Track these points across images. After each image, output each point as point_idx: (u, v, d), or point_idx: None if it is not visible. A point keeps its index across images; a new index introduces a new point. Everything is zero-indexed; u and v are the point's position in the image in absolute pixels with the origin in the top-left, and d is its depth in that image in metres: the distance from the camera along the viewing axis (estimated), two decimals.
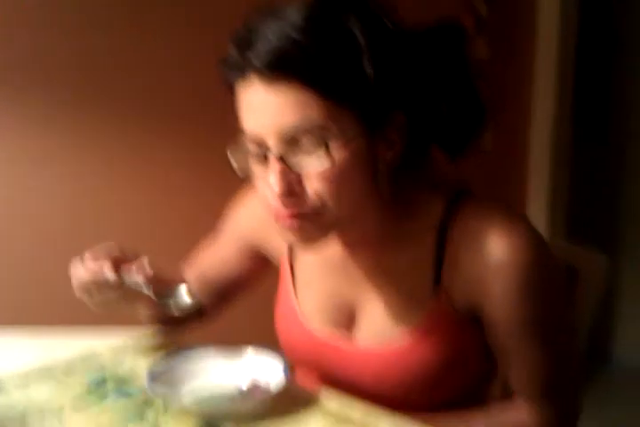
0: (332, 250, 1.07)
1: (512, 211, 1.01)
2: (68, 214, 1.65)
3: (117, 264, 1.01)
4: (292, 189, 0.88)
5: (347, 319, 1.07)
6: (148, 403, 0.98)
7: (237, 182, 1.22)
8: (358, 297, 1.06)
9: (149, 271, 1.00)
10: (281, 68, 0.85)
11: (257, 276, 1.27)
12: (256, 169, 0.92)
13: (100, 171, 1.69)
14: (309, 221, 0.91)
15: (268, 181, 0.89)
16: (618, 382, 3.12)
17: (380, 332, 1.03)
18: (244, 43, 0.87)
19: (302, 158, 0.88)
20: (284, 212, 0.90)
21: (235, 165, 0.94)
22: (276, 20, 0.86)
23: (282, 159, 0.87)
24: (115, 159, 1.71)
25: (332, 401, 0.97)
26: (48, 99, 1.58)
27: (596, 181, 3.28)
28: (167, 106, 1.76)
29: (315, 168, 0.87)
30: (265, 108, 0.87)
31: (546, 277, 0.97)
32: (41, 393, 1.02)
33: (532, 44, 2.68)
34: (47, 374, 1.08)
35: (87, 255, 1.02)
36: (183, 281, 1.24)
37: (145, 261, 1.01)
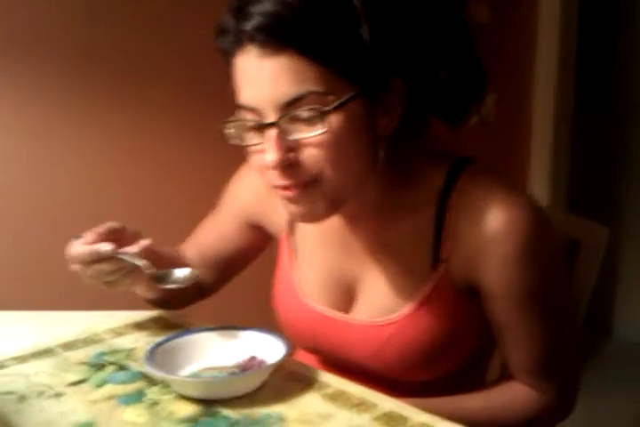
0: (331, 224, 1.06)
1: (510, 182, 1.00)
2: (68, 191, 1.65)
3: (115, 239, 1.01)
4: (289, 157, 0.87)
5: (346, 294, 1.07)
6: (147, 383, 0.98)
7: (238, 157, 1.23)
8: (358, 271, 1.06)
9: (144, 243, 1.00)
10: (275, 36, 0.83)
11: (257, 250, 1.27)
12: (253, 141, 0.91)
13: (101, 146, 1.68)
14: (310, 191, 0.89)
15: (264, 151, 0.88)
16: (618, 357, 3.13)
17: (380, 305, 1.02)
18: (240, 10, 0.86)
19: (299, 126, 0.87)
20: (282, 182, 0.89)
21: (230, 139, 0.93)
22: None
23: (278, 127, 0.86)
24: (115, 134, 1.70)
25: (331, 381, 0.97)
26: (47, 71, 1.57)
27: (597, 153, 3.27)
28: (168, 81, 1.74)
29: (312, 135, 0.86)
30: (261, 77, 0.86)
31: (545, 249, 0.97)
32: (40, 370, 1.02)
33: (534, 8, 2.65)
34: (46, 350, 1.09)
35: (86, 232, 1.02)
36: (181, 257, 1.25)
37: (146, 240, 1.01)
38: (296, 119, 0.86)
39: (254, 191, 1.18)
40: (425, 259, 0.99)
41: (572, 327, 1.05)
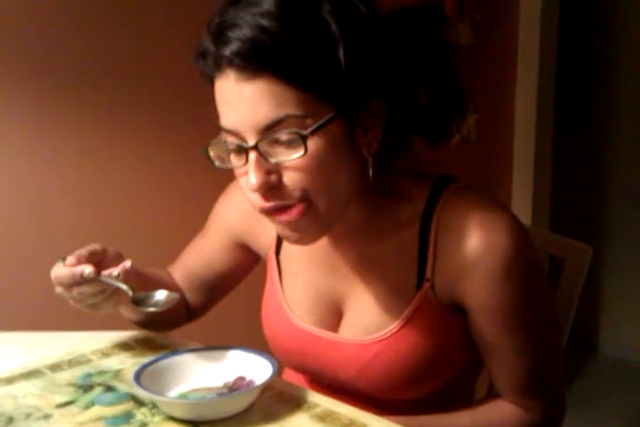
0: (317, 243, 1.06)
1: (494, 199, 1.01)
2: (55, 213, 1.64)
3: (97, 261, 1.01)
4: (269, 180, 0.87)
5: (333, 312, 1.07)
6: (135, 405, 0.97)
7: (228, 177, 1.23)
8: (344, 290, 1.06)
9: (127, 266, 0.99)
10: (253, 60, 0.84)
11: (244, 270, 1.26)
12: (235, 164, 0.91)
13: (88, 166, 1.68)
14: (303, 214, 0.90)
15: (246, 174, 0.89)
16: (603, 374, 3.15)
17: (366, 324, 1.03)
18: (218, 35, 0.86)
19: (279, 149, 0.87)
20: (265, 205, 0.90)
21: (214, 161, 0.93)
22: (249, 8, 0.85)
23: (258, 151, 0.87)
24: (103, 154, 1.70)
25: (320, 401, 0.97)
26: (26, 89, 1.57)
27: (578, 172, 3.31)
28: (156, 100, 1.75)
29: (291, 158, 0.86)
30: (240, 100, 0.86)
31: (527, 267, 0.97)
32: (28, 391, 1.02)
33: (514, 26, 2.68)
34: (33, 372, 1.08)
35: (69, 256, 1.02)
36: (168, 278, 1.25)
37: (127, 262, 1.01)
38: (276, 142, 0.86)
39: (241, 211, 1.18)
40: (410, 277, 0.99)
41: (556, 345, 1.06)
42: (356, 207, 0.99)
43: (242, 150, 0.88)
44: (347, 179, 0.92)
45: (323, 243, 1.06)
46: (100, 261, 1.02)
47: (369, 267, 1.03)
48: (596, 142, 3.26)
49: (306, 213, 0.90)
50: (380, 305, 1.02)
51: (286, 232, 0.94)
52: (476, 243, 0.94)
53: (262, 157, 0.87)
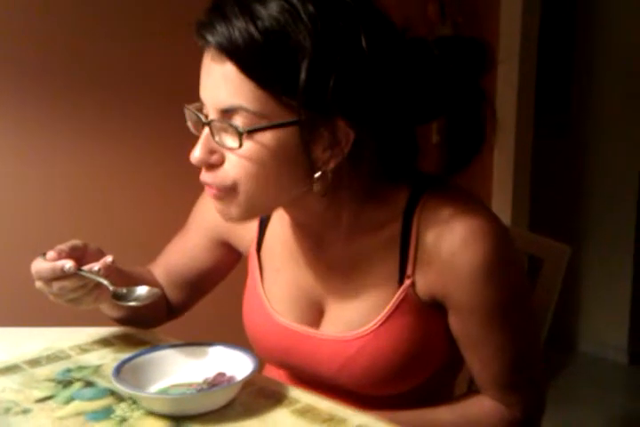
0: (298, 240, 1.07)
1: (474, 198, 1.02)
2: (38, 209, 1.63)
3: (78, 256, 1.01)
4: (209, 158, 0.91)
5: (314, 309, 1.08)
6: (115, 400, 0.97)
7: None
8: (325, 286, 1.06)
9: (108, 261, 1.00)
10: (226, 52, 0.86)
11: (226, 268, 1.26)
12: (195, 133, 0.94)
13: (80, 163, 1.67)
14: (225, 195, 0.92)
15: None
16: (582, 372, 3.18)
17: (347, 320, 1.03)
18: (211, 16, 0.88)
19: (226, 135, 0.89)
20: (203, 179, 0.93)
21: (188, 121, 0.96)
22: (243, 8, 0.86)
23: (210, 128, 0.90)
24: (89, 153, 1.69)
25: (300, 396, 0.98)
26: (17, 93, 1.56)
27: (557, 173, 3.34)
28: (137, 102, 1.75)
29: (227, 146, 0.89)
30: (209, 78, 0.90)
31: (507, 263, 0.98)
32: (7, 386, 1.01)
33: (495, 30, 2.71)
34: (12, 367, 1.08)
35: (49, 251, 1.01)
36: (150, 276, 1.25)
37: (108, 257, 1.01)
38: (227, 127, 0.89)
39: None
40: (391, 274, 1.00)
41: (535, 341, 1.07)
42: (334, 208, 1.00)
43: (200, 122, 0.92)
44: (285, 181, 0.93)
45: (303, 240, 1.06)
46: (80, 256, 1.02)
47: (350, 264, 1.04)
48: (576, 144, 3.29)
49: (225, 197, 0.93)
50: (361, 302, 1.02)
51: (214, 203, 0.97)
52: (457, 241, 0.95)
53: (211, 134, 0.90)
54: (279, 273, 1.11)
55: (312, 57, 0.85)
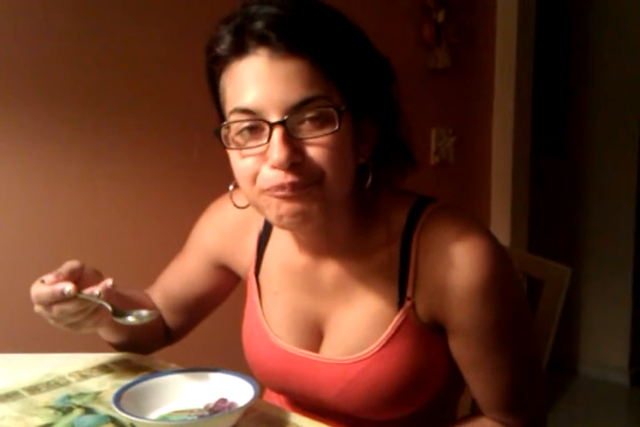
0: (296, 262, 1.07)
1: (472, 219, 1.02)
2: (33, 237, 1.63)
3: (76, 279, 1.00)
4: (293, 156, 0.88)
5: (314, 332, 1.07)
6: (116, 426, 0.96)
7: (207, 198, 1.23)
8: (324, 310, 1.06)
9: (108, 285, 0.98)
10: (300, 46, 0.87)
11: (224, 291, 1.26)
12: (250, 144, 0.91)
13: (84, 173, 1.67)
14: (310, 190, 0.90)
15: (263, 153, 0.89)
16: (583, 395, 3.16)
17: (347, 344, 1.03)
18: (245, 15, 0.89)
19: (304, 128, 0.89)
20: (285, 180, 0.89)
21: (228, 143, 0.93)
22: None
23: (285, 127, 0.88)
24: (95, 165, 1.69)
25: (301, 422, 0.97)
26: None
27: (556, 193, 3.34)
28: (137, 116, 1.75)
29: (322, 133, 0.88)
30: (271, 79, 0.88)
31: (506, 284, 0.98)
32: (6, 414, 1.00)
33: (491, 52, 2.72)
34: (11, 394, 1.07)
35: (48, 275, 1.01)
36: (148, 300, 1.24)
37: (108, 280, 1.00)
38: (303, 121, 0.88)
39: (220, 231, 1.18)
40: (391, 296, 1.00)
41: (535, 361, 1.06)
42: (337, 224, 1.00)
43: (260, 129, 0.89)
44: (350, 173, 0.95)
45: (302, 262, 1.06)
46: (78, 278, 1.01)
47: (349, 286, 1.03)
48: (573, 165, 3.30)
49: (309, 193, 0.90)
50: (360, 325, 1.02)
51: (284, 206, 0.91)
52: (456, 261, 0.95)
53: (288, 133, 0.88)
54: (278, 296, 1.10)
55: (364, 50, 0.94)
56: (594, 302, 3.29)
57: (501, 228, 2.77)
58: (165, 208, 1.81)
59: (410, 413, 1.03)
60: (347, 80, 0.90)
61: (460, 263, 0.95)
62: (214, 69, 0.94)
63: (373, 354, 1.00)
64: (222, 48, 0.91)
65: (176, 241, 1.27)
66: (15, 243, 1.59)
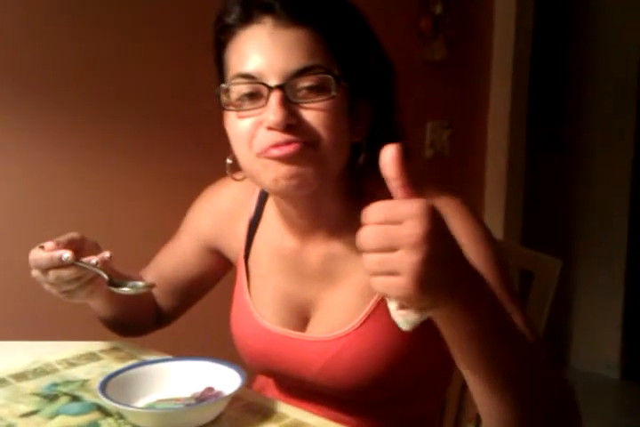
0: (283, 246, 1.08)
1: (450, 190, 1.01)
2: (27, 226, 1.62)
3: (76, 249, 1.02)
4: (290, 119, 0.90)
5: (301, 314, 1.08)
6: (102, 415, 0.96)
7: (202, 183, 1.23)
8: (311, 292, 1.07)
9: (106, 256, 1.01)
10: (303, 15, 0.91)
11: (216, 276, 1.27)
12: (248, 106, 0.93)
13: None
14: (305, 152, 0.92)
15: (260, 115, 0.92)
16: (575, 387, 3.16)
17: (332, 322, 1.03)
18: None
19: (301, 94, 0.92)
20: (282, 138, 0.91)
21: (226, 105, 0.95)
22: None
23: (283, 91, 0.91)
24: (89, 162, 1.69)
25: (288, 412, 0.97)
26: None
27: (550, 186, 3.34)
28: (140, 108, 1.75)
29: (319, 98, 0.91)
30: (273, 46, 0.91)
31: (484, 240, 0.97)
32: None
33: (489, 45, 2.72)
34: None
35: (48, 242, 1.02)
36: (141, 279, 1.24)
37: (106, 253, 1.02)
38: (300, 88, 0.91)
39: (214, 216, 1.19)
40: None
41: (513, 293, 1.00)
42: (328, 201, 1.01)
43: (260, 96, 0.92)
44: (345, 146, 0.97)
45: (288, 245, 1.07)
46: (78, 249, 1.03)
47: (335, 268, 1.04)
48: (568, 158, 3.30)
49: (304, 155, 0.92)
50: (345, 303, 1.03)
51: (282, 169, 0.92)
52: None
53: (286, 97, 0.90)
54: (265, 279, 1.11)
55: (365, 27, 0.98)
56: (585, 296, 3.30)
57: (495, 220, 2.77)
58: (160, 190, 1.81)
59: (394, 395, 1.03)
60: (346, 53, 0.94)
61: None
62: (221, 39, 0.97)
63: (354, 330, 1.01)
64: (231, 17, 0.95)
65: (170, 224, 1.28)
66: (5, 231, 1.58)
